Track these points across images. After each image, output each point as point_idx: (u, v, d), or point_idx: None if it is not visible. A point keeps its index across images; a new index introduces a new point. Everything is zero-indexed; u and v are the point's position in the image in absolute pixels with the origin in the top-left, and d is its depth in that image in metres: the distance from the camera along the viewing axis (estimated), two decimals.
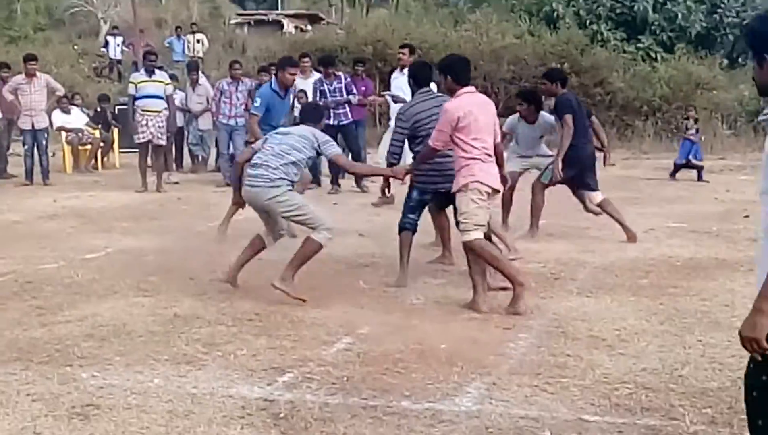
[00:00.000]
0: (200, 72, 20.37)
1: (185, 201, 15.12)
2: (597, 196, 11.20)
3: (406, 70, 13.02)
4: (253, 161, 8.39)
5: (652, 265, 9.81)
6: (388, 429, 5.31)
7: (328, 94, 16.17)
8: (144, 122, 16.66)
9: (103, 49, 34.42)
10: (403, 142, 9.08)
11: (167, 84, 17.16)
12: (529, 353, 6.78)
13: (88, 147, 20.47)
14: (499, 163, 8.28)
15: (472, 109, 7.94)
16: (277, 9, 46.71)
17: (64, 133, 20.04)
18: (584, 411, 5.58)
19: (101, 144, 20.69)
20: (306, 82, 17.07)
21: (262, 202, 8.25)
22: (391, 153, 9.11)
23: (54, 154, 20.37)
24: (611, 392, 5.89)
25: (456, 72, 8.16)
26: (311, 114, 9.03)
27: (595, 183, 11.21)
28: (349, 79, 16.67)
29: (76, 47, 36.92)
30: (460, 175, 8.02)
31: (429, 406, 5.67)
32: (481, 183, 7.95)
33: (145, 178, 16.75)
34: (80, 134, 20.18)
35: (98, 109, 21.97)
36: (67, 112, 20.19)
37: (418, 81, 9.26)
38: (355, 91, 16.43)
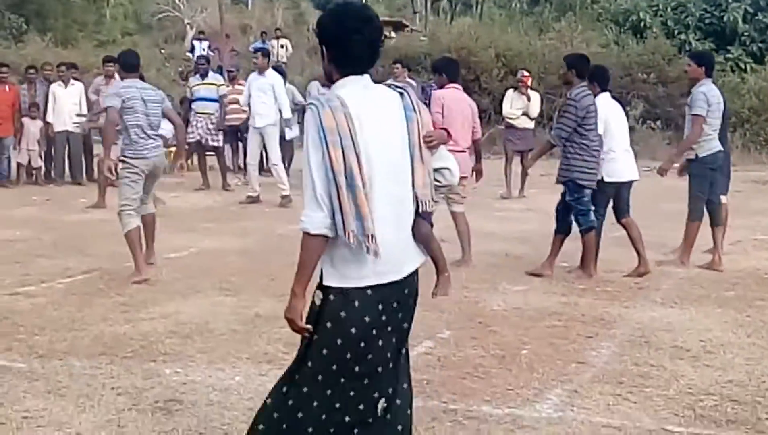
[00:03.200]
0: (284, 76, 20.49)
1: (267, 203, 15.22)
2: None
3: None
4: None
5: (738, 277, 9.64)
6: (467, 433, 5.29)
7: None
8: (194, 123, 17.02)
9: (189, 54, 34.86)
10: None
11: (220, 85, 17.37)
12: (612, 362, 6.69)
13: (173, 149, 20.72)
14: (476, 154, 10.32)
15: (451, 103, 9.92)
16: None
17: None
18: (668, 421, 5.49)
19: (186, 146, 20.90)
20: None
21: None
22: (558, 136, 9.49)
23: None
24: (695, 403, 5.79)
25: (448, 71, 10.24)
26: None
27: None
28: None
29: (162, 51, 37.50)
30: None
31: (509, 412, 5.63)
32: None
33: (205, 176, 17.20)
34: (166, 136, 20.41)
35: (180, 113, 22.22)
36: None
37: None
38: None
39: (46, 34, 37.67)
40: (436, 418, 5.49)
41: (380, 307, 3.85)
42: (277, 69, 19.54)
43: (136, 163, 9.33)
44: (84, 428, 5.29)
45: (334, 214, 3.72)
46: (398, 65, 17.38)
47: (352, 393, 3.90)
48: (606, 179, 9.57)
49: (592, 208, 9.47)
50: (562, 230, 9.72)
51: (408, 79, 17.03)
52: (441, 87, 10.25)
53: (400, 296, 3.93)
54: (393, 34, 38.78)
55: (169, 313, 7.88)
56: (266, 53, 16.49)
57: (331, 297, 3.82)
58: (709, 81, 10.01)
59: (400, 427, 4.07)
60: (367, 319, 3.82)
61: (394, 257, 3.85)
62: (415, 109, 3.92)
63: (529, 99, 16.00)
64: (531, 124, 16.34)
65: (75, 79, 18.15)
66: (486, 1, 45.50)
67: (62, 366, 6.40)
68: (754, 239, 12.08)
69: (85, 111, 17.84)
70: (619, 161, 9.70)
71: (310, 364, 3.91)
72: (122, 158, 9.41)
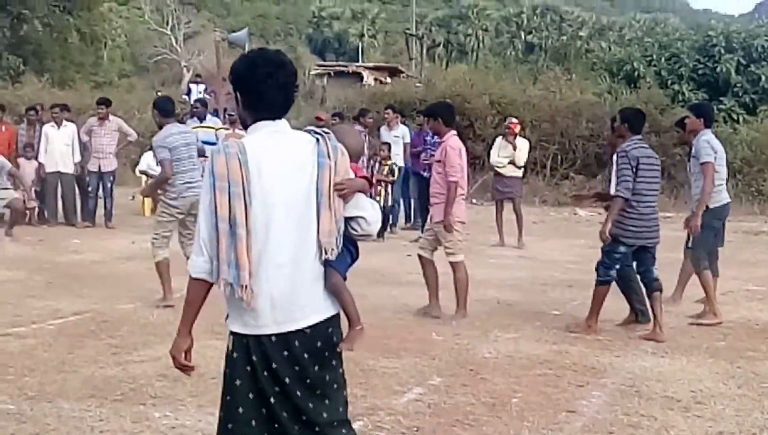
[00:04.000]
0: None
1: None
2: None
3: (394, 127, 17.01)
4: None
5: (730, 327, 9.64)
6: None
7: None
8: None
9: (185, 96, 34.99)
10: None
11: (218, 129, 17.50)
12: (602, 411, 6.69)
13: None
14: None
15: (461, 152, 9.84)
16: (358, 61, 47.26)
17: (143, 177, 20.33)
18: None
19: None
20: (390, 134, 17.23)
21: None
22: (626, 188, 8.95)
23: (134, 198, 20.69)
24: None
25: (445, 116, 9.96)
26: None
27: None
28: None
29: (159, 93, 37.61)
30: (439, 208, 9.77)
31: None
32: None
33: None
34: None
35: None
36: None
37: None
38: None
39: (43, 75, 37.85)
40: None
41: (285, 353, 3.84)
42: None
43: (175, 205, 10.00)
44: None
45: (212, 260, 3.81)
46: (389, 111, 17.49)
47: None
48: None
49: (617, 266, 9.13)
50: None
51: (401, 125, 17.13)
52: (437, 133, 10.16)
53: (310, 347, 3.88)
54: (388, 80, 39.06)
55: (160, 356, 7.85)
56: None
57: (234, 342, 3.90)
58: (709, 131, 10.04)
59: None
60: (265, 364, 3.84)
61: (295, 305, 3.85)
62: (329, 156, 3.90)
63: (515, 147, 16.02)
64: (518, 172, 16.34)
65: (68, 120, 18.21)
66: (481, 49, 45.92)
67: (51, 408, 6.38)
68: (746, 290, 12.08)
69: (77, 152, 17.87)
70: None
71: (224, 403, 3.97)
72: (163, 198, 10.09)
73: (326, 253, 3.88)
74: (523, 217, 16.04)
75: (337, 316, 3.99)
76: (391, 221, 17.12)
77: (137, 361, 7.71)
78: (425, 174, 15.27)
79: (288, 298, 3.82)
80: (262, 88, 3.88)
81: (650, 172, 9.08)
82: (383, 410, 6.52)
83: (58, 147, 17.83)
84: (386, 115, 17.54)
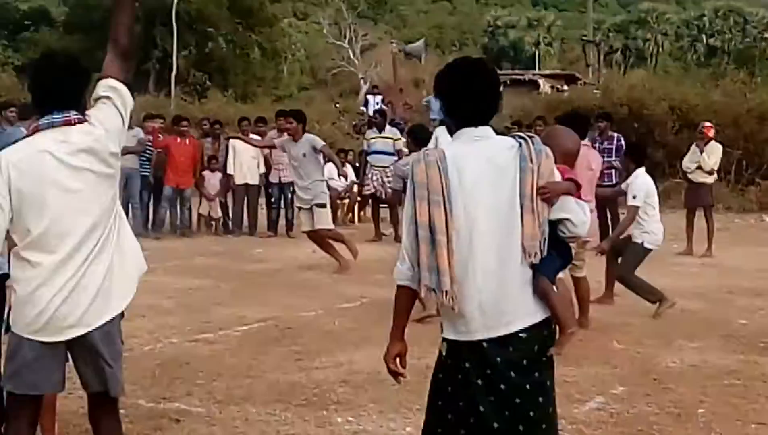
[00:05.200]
0: None
1: None
2: None
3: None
4: None
5: None
6: None
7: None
8: (370, 175, 17.38)
9: (362, 108, 35.47)
10: None
11: (396, 139, 17.61)
12: None
13: (347, 201, 21.09)
14: None
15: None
16: (534, 69, 47.00)
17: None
18: None
19: (358, 198, 21.22)
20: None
21: None
22: None
23: None
24: None
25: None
26: None
27: None
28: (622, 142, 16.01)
29: (337, 105, 38.33)
30: None
31: None
32: None
33: (378, 228, 17.42)
34: (339, 188, 20.78)
35: (357, 165, 22.60)
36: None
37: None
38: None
39: (227, 90, 39.08)
40: None
41: (499, 359, 3.80)
42: (442, 123, 19.58)
43: None
44: None
45: (414, 266, 3.87)
46: (603, 121, 16.72)
47: None
48: None
49: None
50: None
51: (611, 133, 16.64)
52: None
53: (527, 351, 3.85)
54: (565, 87, 38.67)
55: (342, 362, 8.00)
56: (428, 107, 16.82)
57: (447, 348, 3.91)
58: None
59: None
60: (480, 371, 3.81)
61: (504, 311, 3.82)
62: (531, 160, 3.84)
63: (701, 152, 15.59)
64: (708, 178, 15.82)
65: (256, 133, 18.72)
66: (661, 54, 44.97)
67: (239, 412, 6.57)
68: None
69: (262, 164, 18.37)
70: None
71: (433, 407, 4.03)
72: None
73: (530, 257, 3.83)
74: (714, 226, 15.60)
75: (550, 320, 3.95)
76: None
77: (320, 367, 7.86)
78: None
79: (497, 303, 3.80)
80: (463, 96, 3.92)
81: None
82: (564, 419, 6.44)
83: (246, 159, 18.38)
84: (600, 126, 16.83)
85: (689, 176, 15.88)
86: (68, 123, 4.18)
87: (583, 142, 8.71)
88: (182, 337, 9.03)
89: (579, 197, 4.11)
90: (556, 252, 3.97)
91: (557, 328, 4.01)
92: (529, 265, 3.85)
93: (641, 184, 10.08)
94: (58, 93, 4.24)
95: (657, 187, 10.73)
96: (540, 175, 3.85)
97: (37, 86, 4.30)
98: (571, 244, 4.18)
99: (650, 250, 10.10)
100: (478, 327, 3.80)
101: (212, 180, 18.48)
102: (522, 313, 3.85)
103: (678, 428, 6.30)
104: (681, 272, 13.54)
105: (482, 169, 3.83)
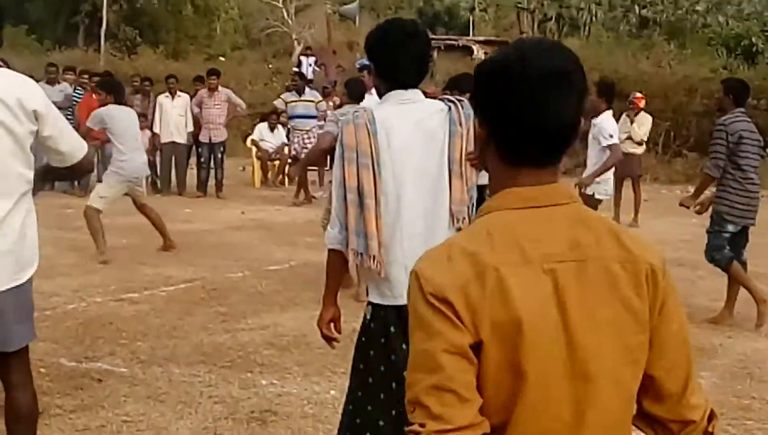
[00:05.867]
0: None
1: None
2: None
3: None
4: None
5: None
6: None
7: None
8: (292, 138, 17.44)
9: (295, 69, 35.23)
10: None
11: (318, 102, 17.58)
12: (713, 393, 6.55)
13: (277, 162, 20.98)
14: None
15: None
16: (468, 35, 47.01)
17: (254, 148, 20.56)
18: None
19: (289, 160, 21.12)
20: None
21: None
22: (715, 165, 8.54)
23: (244, 169, 20.98)
24: None
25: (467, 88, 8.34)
26: None
27: None
28: None
29: (270, 66, 37.94)
30: None
31: None
32: None
33: (307, 191, 17.35)
34: (270, 150, 20.66)
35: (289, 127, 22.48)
36: (272, 129, 20.57)
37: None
38: None
39: (158, 46, 38.52)
40: None
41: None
42: None
43: None
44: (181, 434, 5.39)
45: (342, 229, 3.85)
46: None
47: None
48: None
49: (727, 247, 8.62)
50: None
51: None
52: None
53: None
54: None
55: (268, 324, 7.98)
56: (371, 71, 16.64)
57: (371, 312, 3.90)
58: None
59: None
60: (404, 337, 3.74)
61: None
62: (461, 124, 3.84)
63: (631, 122, 15.69)
64: (637, 149, 15.90)
65: (182, 91, 18.53)
66: (594, 23, 45.20)
67: (162, 372, 6.53)
68: None
69: (190, 122, 18.18)
70: None
71: (356, 371, 4.04)
72: None
73: (457, 222, 3.84)
74: (641, 196, 15.75)
75: None
76: None
77: (245, 329, 7.83)
78: None
79: None
80: (395, 57, 3.86)
81: (753, 148, 8.56)
82: None
83: (173, 117, 18.17)
84: None
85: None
86: None
87: None
88: (106, 296, 8.94)
89: None
90: None
91: None
92: (456, 230, 3.84)
93: (613, 123, 10.09)
94: None
95: (586, 156, 10.79)
96: (469, 140, 3.83)
97: None
98: None
99: (601, 201, 10.05)
100: (403, 292, 3.77)
101: (142, 138, 18.23)
102: None
103: None
104: None
105: (411, 133, 3.82)
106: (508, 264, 1.91)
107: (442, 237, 3.77)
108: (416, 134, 3.83)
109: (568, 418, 1.94)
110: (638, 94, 16.45)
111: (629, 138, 15.64)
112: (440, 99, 3.99)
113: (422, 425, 1.88)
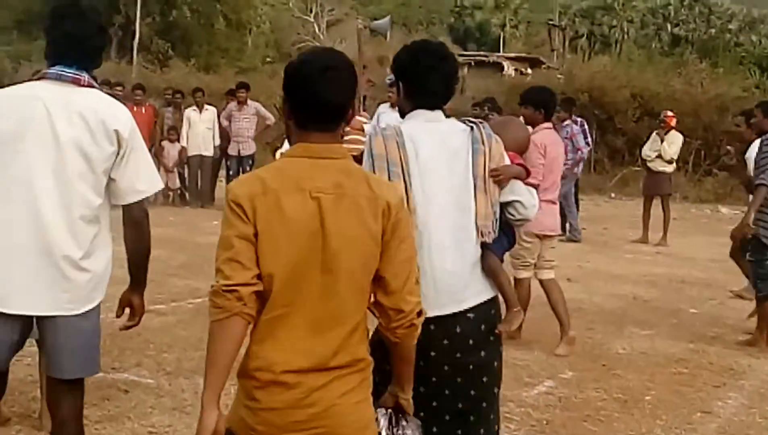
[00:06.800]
0: None
1: None
2: None
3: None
4: None
5: None
6: None
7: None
8: None
9: None
10: None
11: None
12: (739, 413, 6.53)
13: None
14: None
15: (552, 149, 8.11)
16: (499, 51, 47.01)
17: None
18: None
19: None
20: None
21: None
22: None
23: None
24: None
25: (548, 106, 8.22)
26: None
27: None
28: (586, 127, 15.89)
29: None
30: None
31: None
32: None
33: None
34: None
35: None
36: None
37: None
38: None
39: (189, 59, 38.75)
40: None
41: (445, 341, 3.82)
42: None
43: None
44: None
45: None
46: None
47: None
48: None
49: None
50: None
51: (575, 118, 16.70)
52: (531, 125, 7.91)
53: (473, 331, 3.87)
54: (529, 71, 38.71)
55: None
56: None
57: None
58: None
59: None
60: (423, 353, 3.62)
61: (456, 288, 3.85)
62: (483, 142, 3.93)
63: (662, 141, 15.64)
64: (667, 168, 15.83)
65: (209, 104, 18.64)
66: (626, 41, 45.10)
67: (188, 384, 6.56)
68: None
69: (217, 136, 18.29)
70: None
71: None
72: None
73: (483, 236, 3.90)
74: (670, 215, 15.67)
75: (496, 299, 3.99)
76: None
77: None
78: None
79: (450, 280, 3.82)
80: (424, 79, 3.95)
81: None
82: (513, 402, 6.50)
83: (200, 131, 18.28)
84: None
85: (649, 165, 15.95)
86: (77, 82, 3.88)
87: (546, 125, 8.24)
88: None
89: (529, 184, 4.16)
90: (503, 233, 4.04)
91: (506, 305, 4.09)
92: (479, 245, 3.91)
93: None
94: (78, 42, 3.91)
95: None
96: (491, 158, 3.93)
97: (56, 31, 3.95)
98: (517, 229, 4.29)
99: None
100: (430, 304, 3.70)
101: (172, 151, 18.38)
102: (473, 290, 3.89)
103: (624, 414, 6.36)
104: (635, 260, 13.66)
105: (437, 148, 3.88)
106: (285, 190, 2.91)
107: (470, 250, 3.89)
108: (442, 149, 3.89)
109: (318, 294, 2.92)
110: (669, 113, 16.40)
111: (659, 156, 15.60)
112: (462, 121, 4.05)
113: (217, 282, 2.85)
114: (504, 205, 4.03)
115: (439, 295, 3.78)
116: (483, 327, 3.90)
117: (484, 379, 3.93)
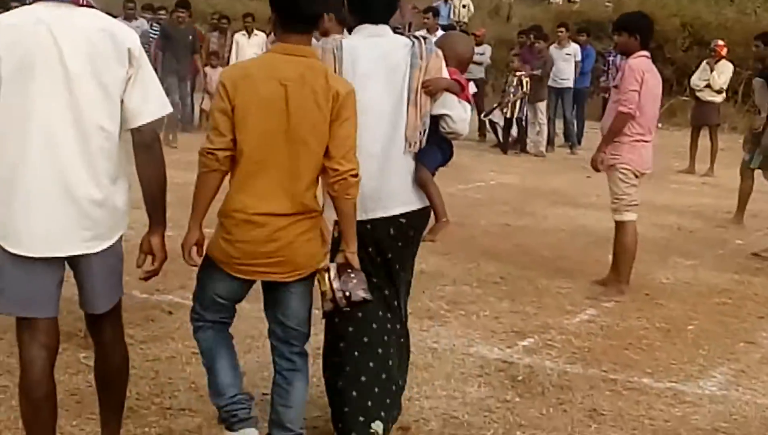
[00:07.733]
0: None
1: None
2: None
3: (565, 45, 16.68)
4: None
5: None
6: (626, 404, 5.23)
7: None
8: None
9: None
10: None
11: None
12: None
13: None
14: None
15: (650, 80, 7.40)
16: None
17: None
18: None
19: None
20: (561, 52, 17.17)
21: None
22: None
23: None
24: None
25: (642, 32, 7.59)
26: None
27: None
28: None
29: None
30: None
31: (671, 386, 5.54)
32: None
33: None
34: None
35: None
36: None
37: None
38: None
39: None
40: (595, 386, 5.45)
41: (384, 234, 4.27)
42: (449, 29, 19.34)
43: None
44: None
45: None
46: (562, 29, 17.58)
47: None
48: None
49: None
50: None
51: (572, 43, 17.44)
52: (626, 53, 7.71)
53: (403, 234, 4.30)
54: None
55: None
56: (436, 13, 16.92)
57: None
58: None
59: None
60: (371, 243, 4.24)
61: (382, 194, 4.18)
62: (421, 57, 4.21)
63: (711, 70, 15.38)
64: (716, 97, 15.58)
65: (258, 29, 18.55)
66: None
67: None
68: None
69: None
70: None
71: None
72: None
73: (410, 147, 4.22)
74: (718, 145, 15.46)
75: (428, 209, 4.37)
76: (548, 139, 17.55)
77: None
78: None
79: (376, 187, 4.15)
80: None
81: None
82: (554, 329, 6.50)
83: (249, 56, 18.18)
84: (559, 33, 17.53)
85: (697, 94, 15.72)
86: (75, 2, 3.62)
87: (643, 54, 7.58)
88: (178, 230, 8.95)
89: (465, 99, 4.38)
90: (438, 147, 4.35)
91: (435, 216, 4.48)
92: (411, 157, 4.26)
93: None
94: None
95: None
96: (427, 72, 4.21)
97: None
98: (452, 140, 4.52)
99: None
100: (363, 207, 4.10)
101: (215, 76, 18.32)
102: (401, 200, 4.24)
103: (666, 344, 6.34)
104: (681, 190, 13.54)
105: (375, 62, 4.18)
106: (262, 77, 3.85)
107: (397, 159, 4.25)
108: (380, 64, 4.19)
109: (282, 157, 3.86)
110: (720, 42, 16.09)
111: (708, 86, 15.37)
112: (406, 36, 4.35)
113: (204, 147, 3.91)
114: (435, 118, 4.29)
115: (364, 201, 4.08)
116: (412, 233, 4.35)
117: (402, 274, 4.52)
